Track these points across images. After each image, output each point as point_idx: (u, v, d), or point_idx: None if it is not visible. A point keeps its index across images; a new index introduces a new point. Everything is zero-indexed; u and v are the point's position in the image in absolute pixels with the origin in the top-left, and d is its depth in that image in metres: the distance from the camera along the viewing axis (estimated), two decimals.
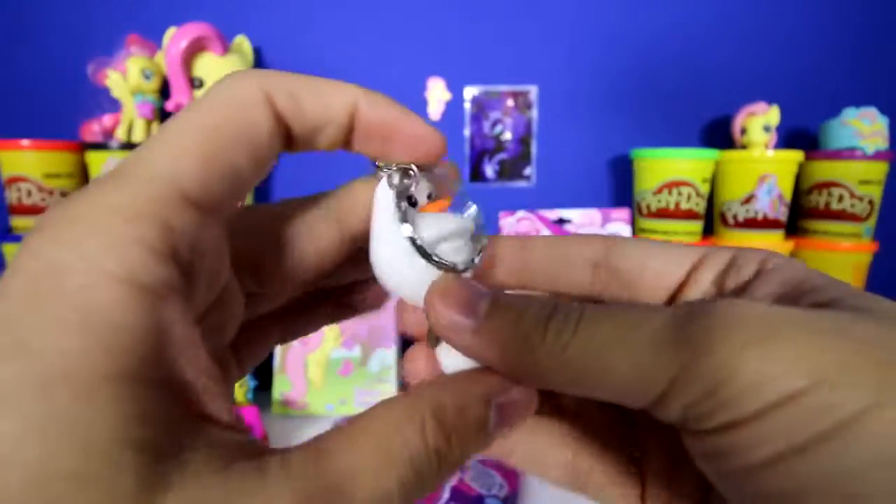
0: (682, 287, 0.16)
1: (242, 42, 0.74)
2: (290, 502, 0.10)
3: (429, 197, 0.17)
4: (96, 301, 0.10)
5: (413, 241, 0.15)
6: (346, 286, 0.20)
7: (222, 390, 0.12)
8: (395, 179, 0.16)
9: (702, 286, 0.16)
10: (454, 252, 0.16)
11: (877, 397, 0.10)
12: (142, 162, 0.12)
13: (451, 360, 0.16)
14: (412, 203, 0.16)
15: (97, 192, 0.11)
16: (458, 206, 0.18)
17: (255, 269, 0.16)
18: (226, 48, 0.70)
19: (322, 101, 0.14)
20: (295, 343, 0.73)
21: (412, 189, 0.16)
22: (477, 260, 0.16)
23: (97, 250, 0.10)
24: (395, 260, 0.16)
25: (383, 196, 0.16)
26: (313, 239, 0.16)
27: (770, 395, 0.10)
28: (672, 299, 0.16)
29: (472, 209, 0.17)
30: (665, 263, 0.16)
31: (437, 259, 0.16)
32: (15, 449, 0.09)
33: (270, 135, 0.14)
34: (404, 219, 0.16)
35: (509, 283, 0.18)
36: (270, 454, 0.11)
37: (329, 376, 0.72)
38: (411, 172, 0.16)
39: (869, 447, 0.10)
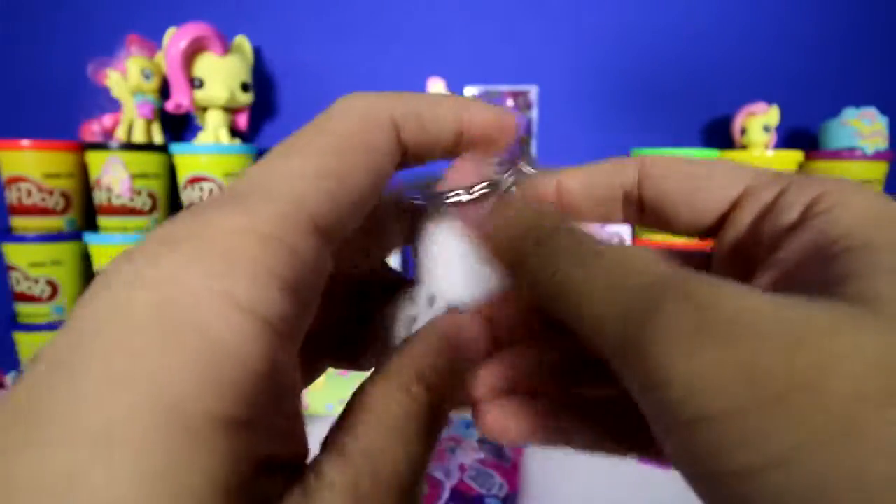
0: (720, 224, 0.15)
1: (242, 42, 0.74)
2: None
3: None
4: (219, 333, 0.09)
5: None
6: None
7: (305, 439, 0.12)
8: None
9: (738, 229, 0.14)
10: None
11: (797, 441, 0.09)
12: (266, 181, 0.11)
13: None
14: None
15: (222, 211, 0.11)
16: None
17: None
18: (226, 48, 0.70)
19: (438, 121, 0.14)
20: None
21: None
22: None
23: (228, 277, 0.10)
24: None
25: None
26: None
27: (693, 412, 0.10)
28: (714, 229, 0.15)
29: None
30: (701, 200, 0.15)
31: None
32: (108, 494, 0.08)
33: (392, 159, 0.13)
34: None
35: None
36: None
37: (329, 376, 0.72)
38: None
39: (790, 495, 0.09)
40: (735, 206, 0.14)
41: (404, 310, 0.17)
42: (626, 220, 0.16)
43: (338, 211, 0.12)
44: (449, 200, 0.16)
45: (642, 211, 0.16)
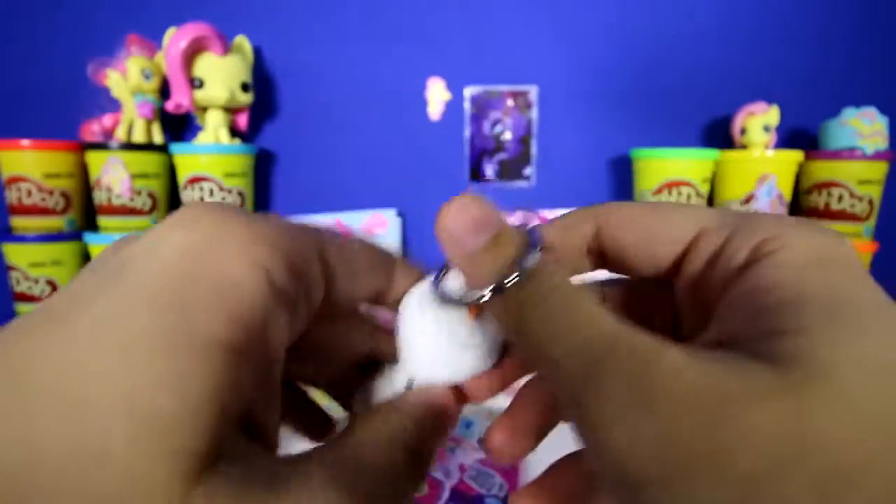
0: (678, 265, 0.15)
1: (242, 42, 0.74)
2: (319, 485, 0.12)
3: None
4: (235, 276, 0.12)
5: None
6: None
7: (278, 412, 0.14)
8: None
9: (693, 272, 0.15)
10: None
11: None
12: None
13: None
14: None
15: (249, 215, 0.13)
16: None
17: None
18: (226, 48, 0.70)
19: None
20: None
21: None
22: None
23: (251, 246, 0.12)
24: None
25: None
26: (365, 280, 0.17)
27: (622, 477, 0.10)
28: (672, 271, 0.16)
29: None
30: (657, 246, 0.15)
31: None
32: (113, 384, 0.10)
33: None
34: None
35: None
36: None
37: None
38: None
39: None
40: (689, 249, 0.15)
41: (383, 391, 0.17)
42: (593, 268, 0.17)
43: (329, 259, 0.15)
44: (466, 301, 0.16)
45: (605, 259, 0.17)
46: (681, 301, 0.16)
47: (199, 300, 0.11)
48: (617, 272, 0.17)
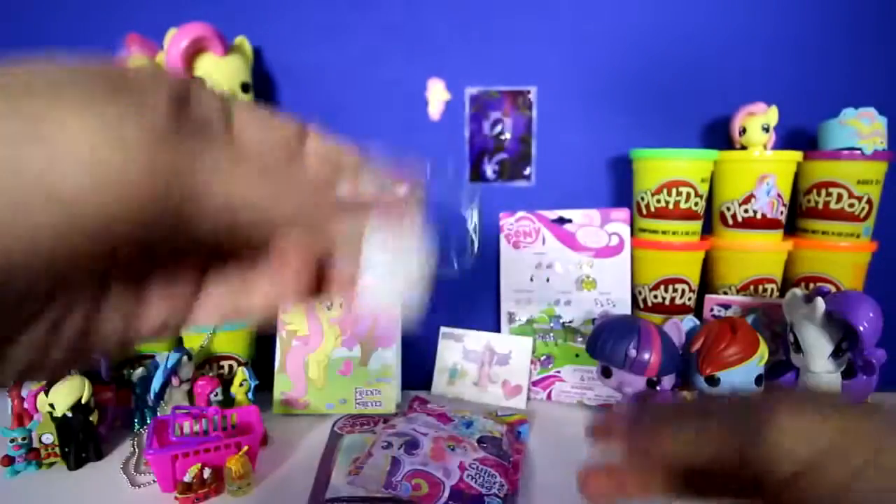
0: None
1: (242, 42, 0.74)
2: None
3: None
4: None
5: None
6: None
7: None
8: None
9: None
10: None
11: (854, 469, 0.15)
12: None
13: None
14: None
15: None
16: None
17: None
18: (226, 48, 0.70)
19: None
20: (295, 342, 0.73)
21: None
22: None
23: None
24: None
25: None
26: None
27: (787, 465, 0.16)
28: None
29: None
30: None
31: None
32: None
33: None
34: None
35: None
36: None
37: (329, 375, 0.73)
38: None
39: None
40: None
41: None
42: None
43: None
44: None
45: None
46: None
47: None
48: None
